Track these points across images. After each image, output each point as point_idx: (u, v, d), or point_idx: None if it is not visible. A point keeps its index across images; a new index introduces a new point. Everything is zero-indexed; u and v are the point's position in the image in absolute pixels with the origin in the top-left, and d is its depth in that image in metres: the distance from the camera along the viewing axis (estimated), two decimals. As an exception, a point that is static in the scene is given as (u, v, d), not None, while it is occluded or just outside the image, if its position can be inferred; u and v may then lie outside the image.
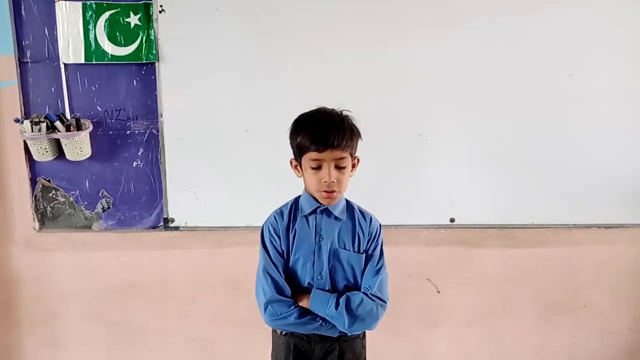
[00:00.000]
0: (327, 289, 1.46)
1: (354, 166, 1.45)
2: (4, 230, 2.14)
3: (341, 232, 1.49)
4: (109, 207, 2.09)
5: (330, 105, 1.44)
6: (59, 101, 1.98)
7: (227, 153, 2.05)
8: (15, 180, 2.07)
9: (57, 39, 1.93)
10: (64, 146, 1.96)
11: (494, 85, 2.04)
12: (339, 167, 1.38)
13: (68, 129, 1.93)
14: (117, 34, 1.93)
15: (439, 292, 2.29)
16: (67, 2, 1.90)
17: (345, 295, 1.44)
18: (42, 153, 1.95)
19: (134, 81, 1.99)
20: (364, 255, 1.49)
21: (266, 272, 1.45)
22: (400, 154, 2.08)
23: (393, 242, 2.13)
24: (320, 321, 1.44)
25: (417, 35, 1.99)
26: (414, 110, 2.05)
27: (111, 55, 1.94)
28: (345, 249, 1.48)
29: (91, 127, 1.98)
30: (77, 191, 2.07)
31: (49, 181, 2.06)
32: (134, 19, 1.93)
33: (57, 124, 1.92)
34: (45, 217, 2.09)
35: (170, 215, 2.09)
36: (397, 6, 1.96)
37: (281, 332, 1.52)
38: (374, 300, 1.44)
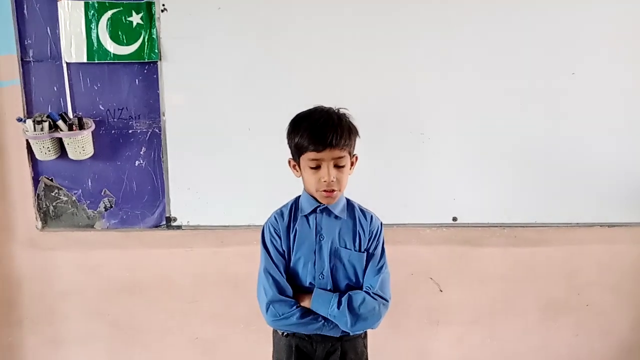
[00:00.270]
0: (328, 288, 1.46)
1: (352, 164, 1.45)
2: (7, 229, 2.15)
3: (342, 231, 1.48)
4: (111, 206, 2.09)
5: (329, 104, 1.44)
6: (62, 100, 1.98)
7: (229, 152, 2.05)
8: (18, 179, 2.08)
9: (59, 38, 1.93)
10: (66, 145, 1.96)
11: (496, 84, 2.03)
12: (338, 166, 1.38)
13: (70, 128, 1.93)
14: (120, 33, 1.93)
15: (441, 291, 2.29)
16: (69, 1, 1.90)
17: (347, 294, 1.43)
18: (45, 152, 1.95)
19: (136, 80, 1.99)
20: (365, 254, 1.48)
21: (267, 272, 1.45)
22: (403, 152, 2.08)
23: (395, 241, 2.13)
24: (323, 321, 1.44)
25: (420, 34, 1.99)
26: (417, 109, 2.05)
27: (113, 54, 1.94)
28: (346, 248, 1.48)
29: (93, 126, 1.98)
30: (80, 190, 2.07)
31: (51, 180, 2.06)
32: (136, 18, 1.93)
33: (60, 123, 1.92)
34: (48, 216, 2.09)
35: (173, 214, 2.09)
36: (399, 6, 1.96)
37: (282, 333, 1.52)
38: (376, 299, 1.44)
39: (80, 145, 1.95)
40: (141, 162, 2.06)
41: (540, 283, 2.30)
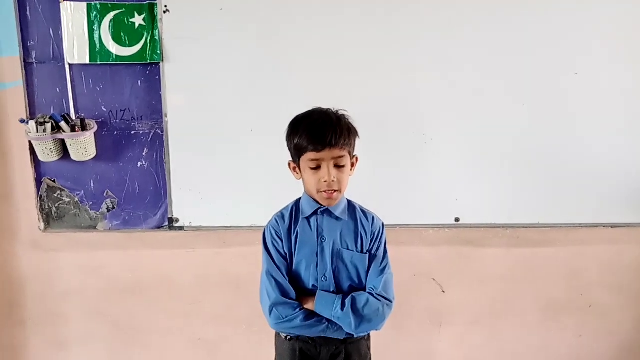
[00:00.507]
0: (331, 290, 1.45)
1: (353, 165, 1.44)
2: (10, 230, 2.15)
3: (343, 232, 1.48)
4: (113, 207, 2.09)
5: (330, 104, 1.44)
6: (64, 101, 1.98)
7: (231, 153, 2.05)
8: (21, 180, 2.08)
9: (62, 39, 1.93)
10: (68, 146, 1.96)
11: (498, 84, 2.03)
12: (338, 166, 1.38)
13: (73, 130, 1.94)
14: (122, 34, 1.93)
15: (443, 292, 2.29)
16: (71, 2, 1.90)
17: (350, 296, 1.43)
18: (47, 153, 1.95)
19: (139, 81, 1.99)
20: (367, 255, 1.48)
21: (270, 275, 1.45)
22: (405, 153, 2.07)
23: (398, 242, 2.12)
24: (327, 323, 1.43)
25: (421, 35, 1.99)
26: (419, 109, 2.05)
27: (116, 55, 1.95)
28: (348, 249, 1.47)
29: (96, 128, 1.98)
30: (82, 191, 2.07)
31: (54, 181, 2.06)
32: (138, 19, 1.93)
33: (62, 124, 1.92)
34: (51, 217, 2.10)
35: (175, 215, 2.09)
36: (400, 6, 1.96)
37: (286, 337, 1.50)
38: (379, 300, 1.43)
39: (83, 147, 1.96)
40: (143, 163, 2.06)
41: (542, 284, 2.30)
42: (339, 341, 1.48)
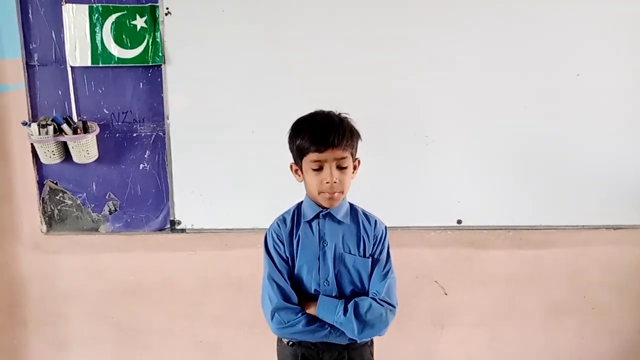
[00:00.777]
0: (334, 295, 1.44)
1: (355, 168, 1.43)
2: (12, 232, 2.15)
3: (345, 236, 1.46)
4: (115, 210, 2.09)
5: (332, 107, 1.44)
6: (66, 104, 1.98)
7: (233, 155, 2.05)
8: (23, 183, 2.09)
9: (64, 42, 1.94)
10: (71, 149, 1.96)
11: (500, 85, 2.03)
12: (340, 168, 1.37)
13: (75, 132, 1.94)
14: (124, 36, 1.94)
15: (446, 294, 2.28)
16: (73, 5, 1.91)
17: (353, 300, 1.41)
18: (50, 156, 1.96)
19: (141, 84, 1.99)
20: (370, 259, 1.46)
21: (271, 279, 1.43)
22: (407, 155, 2.07)
23: (400, 244, 2.12)
24: (329, 328, 1.41)
25: (423, 36, 1.99)
26: (420, 111, 2.04)
27: (118, 57, 1.95)
28: (350, 253, 1.46)
29: (98, 130, 1.99)
30: (84, 194, 2.07)
31: (56, 184, 2.07)
32: (140, 22, 1.93)
33: (64, 126, 1.93)
34: (53, 220, 2.10)
35: (177, 218, 2.09)
36: (403, 8, 1.96)
37: (288, 342, 1.49)
38: (382, 305, 1.41)
39: (85, 149, 1.96)
40: (145, 165, 2.06)
41: (545, 285, 2.29)
42: (342, 347, 1.46)
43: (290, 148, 1.44)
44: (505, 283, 2.28)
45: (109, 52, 1.94)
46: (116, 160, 2.05)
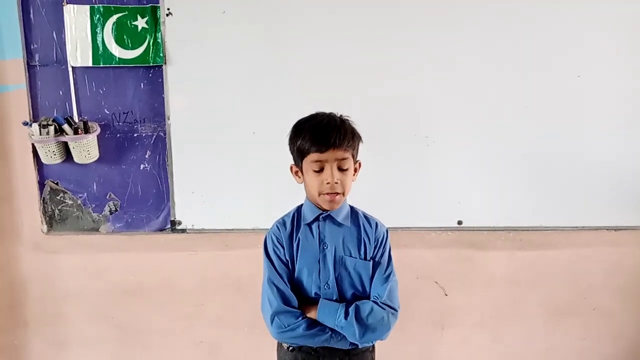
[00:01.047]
0: (334, 298, 1.42)
1: (356, 171, 1.42)
2: (13, 232, 2.15)
3: (345, 239, 1.45)
4: (116, 210, 2.09)
5: (333, 107, 1.44)
6: (67, 104, 1.99)
7: (233, 156, 2.05)
8: (24, 183, 2.09)
9: (65, 42, 1.94)
10: (71, 149, 1.97)
11: (501, 87, 2.03)
12: (341, 169, 1.36)
13: (76, 132, 1.94)
14: (125, 37, 1.94)
15: (446, 295, 2.28)
16: (75, 5, 1.91)
17: (354, 304, 1.39)
18: (50, 156, 1.96)
19: (141, 84, 2.00)
20: (371, 262, 1.45)
21: (271, 282, 1.41)
22: (407, 156, 2.07)
23: (400, 245, 2.12)
24: (330, 332, 1.39)
25: (424, 38, 1.99)
26: (421, 112, 2.04)
27: (119, 58, 1.95)
28: (351, 256, 1.44)
29: (99, 130, 1.99)
30: (85, 194, 2.08)
31: (56, 184, 2.07)
32: (141, 22, 1.94)
33: (65, 127, 1.93)
34: (53, 220, 2.10)
35: (177, 218, 2.09)
36: (404, 9, 1.96)
37: (288, 348, 1.46)
38: (384, 309, 1.39)
39: (86, 149, 1.96)
40: (146, 165, 2.07)
41: (545, 287, 2.29)
42: (343, 352, 1.43)
43: (290, 149, 1.43)
44: (506, 284, 2.28)
45: (110, 52, 1.95)
46: (117, 160, 2.05)
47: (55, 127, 1.92)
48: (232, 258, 2.20)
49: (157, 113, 2.02)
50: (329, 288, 1.42)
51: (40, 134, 1.91)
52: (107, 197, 2.08)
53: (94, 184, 2.07)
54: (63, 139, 1.94)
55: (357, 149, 1.42)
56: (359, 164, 1.44)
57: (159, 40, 1.94)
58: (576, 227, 2.16)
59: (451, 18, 1.98)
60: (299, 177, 1.43)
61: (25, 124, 1.93)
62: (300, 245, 1.44)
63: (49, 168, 2.04)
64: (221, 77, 1.99)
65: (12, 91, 2.01)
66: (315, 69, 2.00)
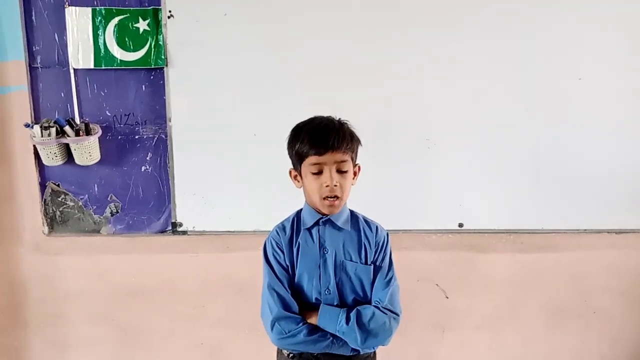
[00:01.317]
0: (335, 303, 1.41)
1: (355, 174, 1.42)
2: (14, 233, 2.16)
3: (346, 243, 1.44)
4: (117, 212, 2.10)
5: (334, 109, 1.44)
6: (69, 106, 1.99)
7: (235, 157, 2.05)
8: (25, 184, 2.09)
9: (66, 44, 1.94)
10: (73, 151, 1.97)
11: (502, 89, 2.03)
12: (340, 172, 1.35)
13: (77, 134, 1.95)
14: (126, 39, 1.94)
15: (447, 298, 2.28)
16: (76, 7, 1.92)
17: (355, 309, 1.38)
18: (52, 158, 1.96)
19: (143, 86, 2.00)
20: (371, 266, 1.43)
21: (271, 288, 1.40)
22: (409, 158, 2.07)
23: (401, 247, 2.12)
24: (331, 338, 1.38)
25: (425, 40, 1.99)
26: (422, 115, 2.04)
27: (120, 60, 1.95)
28: (351, 260, 1.43)
29: (100, 132, 1.99)
30: (86, 195, 2.08)
31: (58, 185, 2.07)
32: (142, 25, 1.94)
33: (67, 128, 1.94)
34: (55, 221, 2.10)
35: (178, 220, 2.09)
36: (405, 11, 1.96)
37: (288, 354, 1.44)
38: (386, 314, 1.38)
39: (87, 151, 1.96)
40: (147, 167, 2.07)
41: (546, 289, 2.29)
42: (345, 358, 1.42)
43: (289, 154, 1.42)
44: (507, 287, 2.27)
45: (112, 54, 1.95)
46: (118, 162, 2.06)
47: (56, 128, 1.92)
48: (233, 260, 2.20)
49: (159, 115, 2.02)
50: (330, 293, 1.41)
51: (42, 136, 1.91)
52: (108, 198, 2.08)
53: (95, 185, 2.07)
54: (64, 140, 1.94)
55: (356, 152, 1.42)
56: (359, 167, 1.43)
57: (161, 43, 1.95)
58: (577, 229, 2.16)
59: (451, 18, 1.98)
60: (298, 182, 1.42)
61: (27, 125, 1.93)
62: (300, 250, 1.43)
63: (50, 170, 2.04)
64: (222, 79, 1.99)
65: (14, 93, 2.01)
66: (315, 69, 2.00)
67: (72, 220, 2.10)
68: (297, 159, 1.38)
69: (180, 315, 2.25)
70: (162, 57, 1.95)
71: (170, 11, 1.93)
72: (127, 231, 2.11)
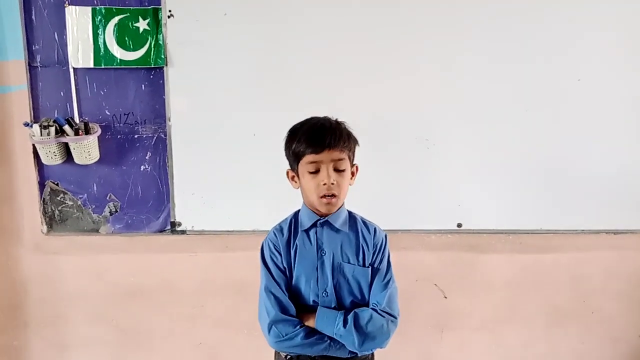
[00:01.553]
0: (333, 306, 1.40)
1: (353, 174, 1.41)
2: (13, 233, 2.15)
3: (344, 245, 1.43)
4: (116, 211, 2.09)
5: (333, 109, 1.44)
6: (68, 105, 1.99)
7: (234, 157, 2.05)
8: (24, 183, 2.09)
9: (66, 43, 1.94)
10: (72, 150, 1.97)
11: (501, 90, 2.03)
12: (337, 170, 1.35)
13: (76, 133, 1.95)
14: (126, 38, 1.94)
15: (445, 298, 2.28)
16: (76, 7, 1.91)
17: (353, 312, 1.37)
18: (51, 157, 1.96)
19: (143, 85, 2.00)
20: (369, 268, 1.42)
21: (269, 290, 1.39)
22: (408, 158, 2.07)
23: (400, 247, 2.13)
24: (329, 341, 1.37)
25: (425, 40, 1.99)
26: (421, 115, 2.05)
27: (120, 59, 1.95)
28: (349, 263, 1.42)
29: (99, 131, 1.99)
30: (85, 195, 2.08)
31: (57, 185, 2.07)
32: (142, 24, 1.94)
33: (66, 127, 1.93)
34: (54, 221, 2.10)
35: (177, 219, 2.09)
36: (405, 11, 1.96)
37: (286, 357, 1.43)
38: (383, 316, 1.37)
39: (86, 150, 1.96)
40: (146, 167, 2.07)
41: (545, 290, 2.29)
42: None
43: (286, 154, 1.42)
44: (506, 287, 2.28)
45: (112, 54, 1.95)
46: (117, 161, 2.06)
47: (56, 128, 1.92)
48: (232, 259, 2.20)
49: (158, 114, 2.02)
50: (327, 295, 1.40)
51: (41, 135, 1.91)
52: (108, 198, 2.08)
53: (95, 185, 2.07)
54: (64, 139, 1.94)
55: (354, 151, 1.42)
56: (357, 167, 1.43)
57: (161, 42, 1.95)
58: (576, 230, 2.16)
59: (451, 18, 1.98)
60: (296, 182, 1.42)
61: (26, 124, 1.93)
62: (297, 252, 1.42)
63: (49, 169, 2.04)
64: (222, 79, 1.99)
65: (14, 92, 2.01)
66: (316, 71, 2.00)
67: (71, 220, 2.10)
68: (294, 158, 1.38)
69: (179, 314, 2.25)
70: (162, 56, 1.95)
71: (170, 11, 1.93)
72: (126, 230, 2.11)
